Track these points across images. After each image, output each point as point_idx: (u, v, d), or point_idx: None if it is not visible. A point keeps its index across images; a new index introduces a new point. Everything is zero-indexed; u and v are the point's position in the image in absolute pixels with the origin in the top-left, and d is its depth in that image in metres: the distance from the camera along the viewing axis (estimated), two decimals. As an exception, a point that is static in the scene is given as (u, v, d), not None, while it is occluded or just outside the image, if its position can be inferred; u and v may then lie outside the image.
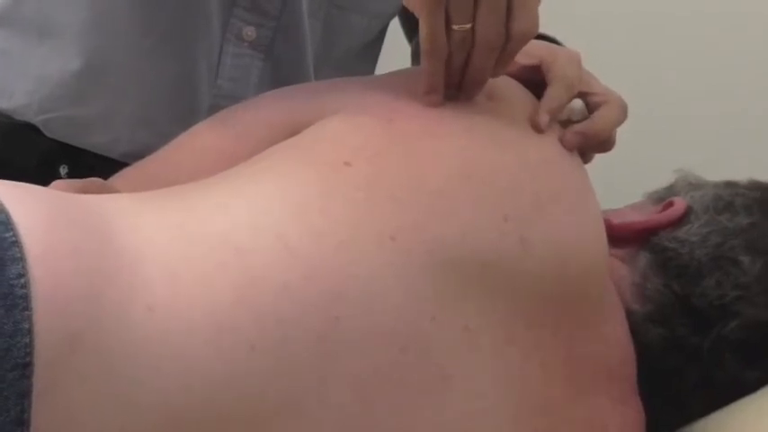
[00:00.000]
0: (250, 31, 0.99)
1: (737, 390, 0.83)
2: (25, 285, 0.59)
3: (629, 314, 0.84)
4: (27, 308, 0.59)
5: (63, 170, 0.98)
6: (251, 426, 0.65)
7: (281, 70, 1.01)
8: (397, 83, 0.82)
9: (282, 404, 0.66)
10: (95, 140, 0.99)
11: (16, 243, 0.61)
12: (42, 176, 0.76)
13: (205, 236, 0.68)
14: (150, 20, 0.96)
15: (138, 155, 0.91)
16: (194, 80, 0.99)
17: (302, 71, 1.03)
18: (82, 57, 0.97)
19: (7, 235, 0.61)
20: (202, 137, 0.86)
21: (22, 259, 0.60)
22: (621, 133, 0.91)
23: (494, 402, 0.74)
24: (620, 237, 0.87)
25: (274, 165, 0.76)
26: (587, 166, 0.85)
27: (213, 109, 0.97)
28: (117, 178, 0.87)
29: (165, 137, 0.89)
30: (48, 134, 0.99)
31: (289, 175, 0.74)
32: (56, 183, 0.80)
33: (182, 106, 0.99)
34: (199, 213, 0.70)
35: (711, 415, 0.83)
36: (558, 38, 0.96)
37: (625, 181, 1.07)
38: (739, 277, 0.84)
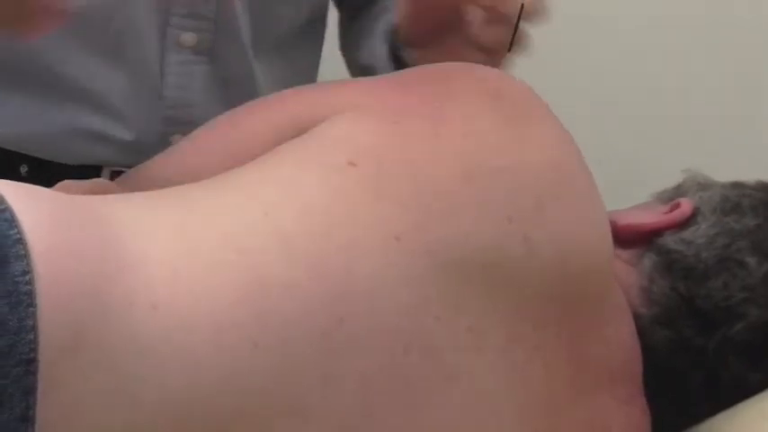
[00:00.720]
0: (189, 37, 0.98)
1: (742, 391, 0.83)
2: (30, 282, 0.60)
3: (637, 318, 0.83)
4: (32, 304, 0.59)
5: (23, 169, 0.99)
6: (253, 423, 0.65)
7: (225, 69, 1.01)
8: (402, 83, 0.83)
9: (285, 402, 0.66)
10: (54, 155, 0.99)
11: (20, 240, 0.61)
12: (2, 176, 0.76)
13: (207, 235, 0.68)
14: (95, 41, 0.96)
15: (98, 165, 0.94)
16: (143, 94, 0.99)
17: (244, 66, 1.03)
18: (33, 79, 0.97)
19: (11, 232, 0.61)
20: (207, 139, 0.86)
21: (26, 256, 0.60)
22: (623, 134, 0.91)
23: (497, 403, 0.74)
24: (626, 238, 0.87)
25: (278, 164, 0.76)
26: (589, 166, 0.85)
27: (167, 121, 0.99)
28: (120, 181, 0.88)
29: (123, 150, 0.93)
30: (6, 147, 0.99)
31: (293, 174, 0.74)
32: (62, 183, 0.81)
33: (135, 120, 0.99)
34: (201, 213, 0.71)
35: (716, 416, 0.82)
36: (563, 38, 0.96)
37: (626, 181, 1.07)
38: (746, 279, 0.84)
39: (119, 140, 0.99)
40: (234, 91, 0.98)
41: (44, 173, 0.91)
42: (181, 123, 0.97)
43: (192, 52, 0.99)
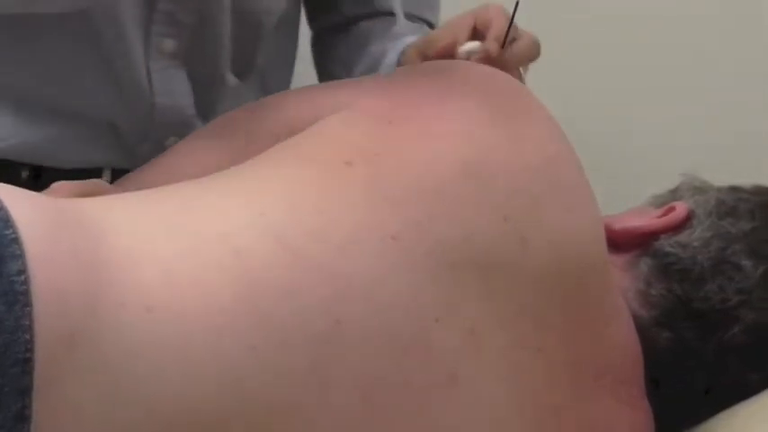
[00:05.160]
0: (168, 44, 0.99)
1: (741, 392, 0.83)
2: (25, 282, 0.59)
3: (637, 320, 0.83)
4: (27, 304, 0.59)
5: (24, 174, 0.99)
6: (252, 426, 0.65)
7: (198, 78, 1.02)
8: (396, 82, 0.83)
9: (284, 405, 0.66)
10: (51, 162, 1.00)
11: (16, 240, 0.61)
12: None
13: (203, 237, 0.68)
14: (83, 57, 0.97)
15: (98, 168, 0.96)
16: (134, 104, 0.99)
17: (217, 76, 1.04)
18: (22, 95, 0.97)
19: (7, 232, 0.61)
20: (202, 144, 0.86)
21: (21, 256, 0.60)
22: (624, 134, 0.91)
23: (497, 406, 0.74)
24: (621, 242, 0.87)
25: (273, 164, 0.76)
26: (587, 168, 0.85)
27: (161, 126, 1.00)
28: (118, 184, 0.88)
29: (119, 155, 0.96)
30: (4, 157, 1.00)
31: (288, 174, 0.74)
32: (56, 183, 0.80)
33: (129, 128, 1.00)
34: (197, 214, 0.70)
35: (715, 417, 0.82)
36: (562, 39, 0.96)
37: (626, 182, 1.07)
38: (741, 282, 0.84)
39: (114, 147, 1.00)
40: (205, 92, 1.01)
41: (45, 176, 0.93)
42: (174, 126, 0.99)
43: (170, 57, 1.00)
